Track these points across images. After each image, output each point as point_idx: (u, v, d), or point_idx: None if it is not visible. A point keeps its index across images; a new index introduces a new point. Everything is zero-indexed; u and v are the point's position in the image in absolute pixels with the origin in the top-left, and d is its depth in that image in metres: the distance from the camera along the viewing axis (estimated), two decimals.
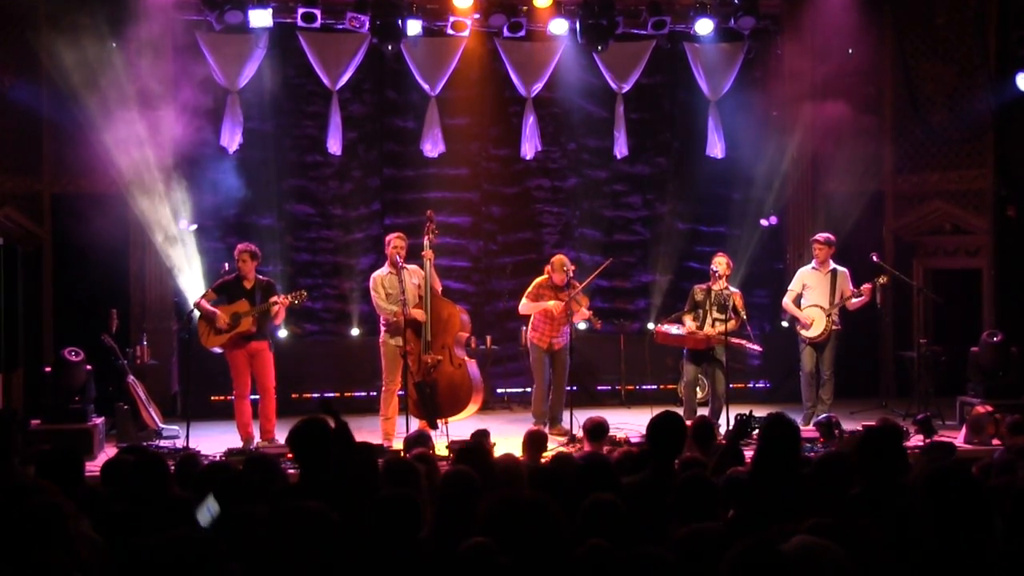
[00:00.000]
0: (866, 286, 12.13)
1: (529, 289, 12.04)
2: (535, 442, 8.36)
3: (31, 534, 4.33)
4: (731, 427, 7.43)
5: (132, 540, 4.43)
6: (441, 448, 10.01)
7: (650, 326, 15.02)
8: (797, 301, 12.43)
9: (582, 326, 14.51)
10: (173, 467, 7.74)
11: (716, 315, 11.87)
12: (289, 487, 6.00)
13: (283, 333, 14.08)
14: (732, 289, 12.00)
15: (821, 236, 12.51)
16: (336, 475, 5.69)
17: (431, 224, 11.58)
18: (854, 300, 12.18)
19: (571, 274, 11.91)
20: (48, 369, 11.66)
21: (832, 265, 12.34)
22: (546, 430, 10.68)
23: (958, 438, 11.17)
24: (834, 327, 12.22)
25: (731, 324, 11.84)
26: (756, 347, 12.23)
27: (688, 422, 7.78)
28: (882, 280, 12.25)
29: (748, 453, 7.08)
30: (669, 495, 5.28)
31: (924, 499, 4.69)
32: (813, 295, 12.31)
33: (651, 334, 12.69)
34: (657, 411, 6.68)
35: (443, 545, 4.63)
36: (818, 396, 12.26)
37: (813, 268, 12.44)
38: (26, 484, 5.50)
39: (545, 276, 12.00)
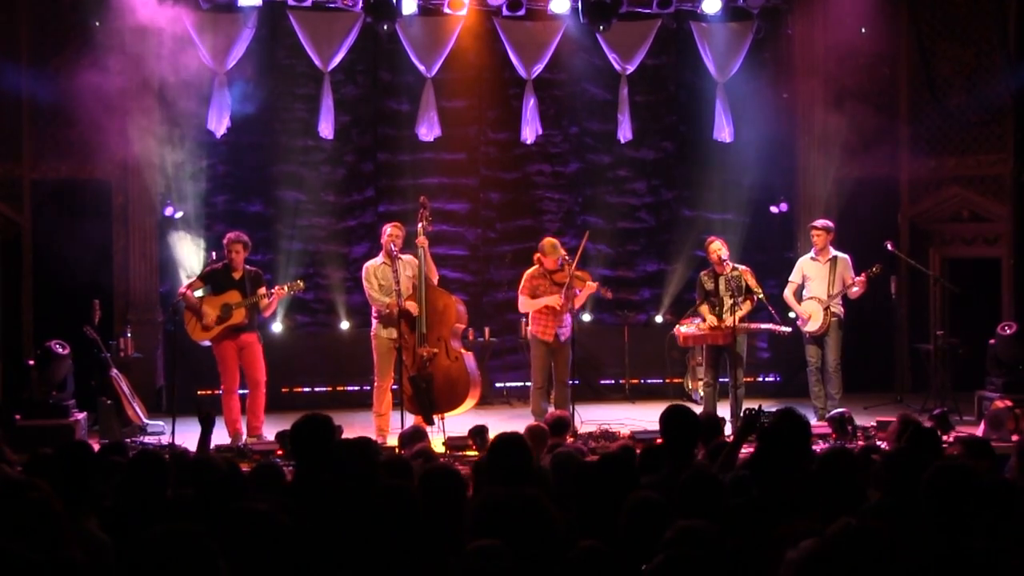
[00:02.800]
0: (860, 278, 12.05)
1: (522, 284, 11.89)
2: (535, 438, 8.31)
3: (22, 530, 4.32)
4: (740, 422, 7.45)
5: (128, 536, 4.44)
6: (438, 445, 10.00)
7: (658, 319, 15.02)
8: (798, 293, 12.37)
9: (587, 317, 14.54)
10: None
11: (731, 301, 11.81)
12: (286, 486, 5.97)
13: (278, 328, 14.09)
14: (740, 267, 11.95)
15: (819, 222, 12.44)
16: (334, 472, 5.67)
17: (425, 211, 11.51)
18: (853, 290, 12.12)
19: (563, 255, 11.80)
20: (32, 362, 11.63)
21: (832, 253, 12.27)
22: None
23: (976, 434, 11.16)
24: (834, 318, 12.15)
25: (747, 305, 11.81)
26: (785, 328, 12.15)
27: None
28: (874, 269, 12.14)
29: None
30: (674, 493, 5.26)
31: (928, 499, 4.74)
32: (813, 286, 12.22)
33: (672, 337, 12.63)
34: (663, 406, 6.65)
35: (429, 545, 4.61)
36: (827, 392, 12.22)
37: (812, 258, 12.33)
38: (16, 480, 5.50)
39: (535, 266, 11.90)
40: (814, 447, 9.61)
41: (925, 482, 4.82)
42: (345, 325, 14.49)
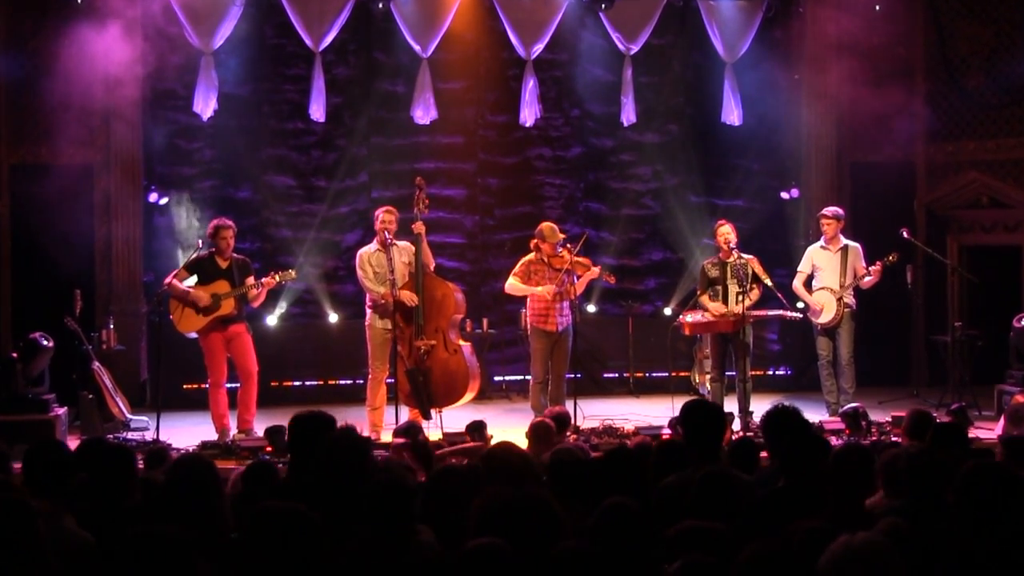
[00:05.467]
0: (875, 267, 12.00)
1: (516, 268, 11.85)
2: (540, 435, 8.24)
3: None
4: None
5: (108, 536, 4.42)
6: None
7: (667, 311, 14.93)
8: (808, 283, 12.32)
9: (592, 308, 14.49)
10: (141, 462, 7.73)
11: (738, 288, 11.75)
12: (277, 485, 5.94)
13: (272, 321, 14.05)
14: (746, 256, 11.90)
15: (829, 211, 12.39)
16: (324, 469, 5.63)
17: (421, 193, 11.43)
18: (866, 279, 12.07)
19: (562, 239, 11.74)
20: (15, 354, 11.57)
21: (843, 241, 12.21)
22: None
23: (995, 430, 11.12)
24: (847, 309, 12.11)
25: (754, 294, 11.77)
26: (796, 313, 12.13)
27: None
28: (891, 258, 12.11)
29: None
30: (688, 492, 5.22)
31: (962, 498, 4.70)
32: (824, 276, 12.17)
33: (675, 328, 12.61)
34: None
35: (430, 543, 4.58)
36: (839, 386, 12.18)
37: (822, 247, 12.29)
38: None
39: (533, 255, 11.84)
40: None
41: (959, 482, 4.78)
42: (338, 316, 14.42)
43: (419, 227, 11.26)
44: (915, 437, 7.70)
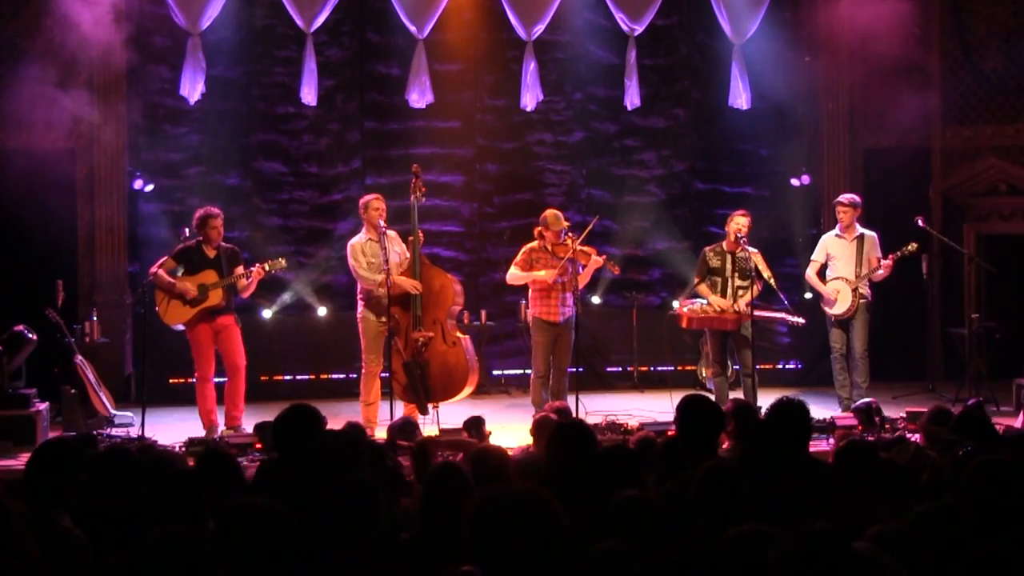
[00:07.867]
0: (886, 262, 11.93)
1: (518, 256, 11.80)
2: (544, 430, 8.14)
3: None
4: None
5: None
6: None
7: (675, 304, 14.87)
8: (821, 272, 12.26)
9: (596, 300, 14.44)
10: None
11: (740, 282, 11.71)
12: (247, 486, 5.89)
13: (267, 314, 14.02)
14: (751, 249, 11.84)
15: (845, 197, 12.33)
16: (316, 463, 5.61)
17: (417, 180, 11.37)
18: (878, 273, 12.00)
19: (566, 228, 11.68)
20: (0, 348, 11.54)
21: (859, 230, 12.16)
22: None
23: (1016, 424, 11.08)
24: (862, 300, 12.05)
25: (755, 289, 11.72)
26: (799, 319, 12.06)
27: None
28: (911, 247, 12.03)
29: None
30: (690, 489, 5.17)
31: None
32: (838, 265, 12.11)
33: (672, 317, 12.53)
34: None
35: (429, 551, 4.54)
36: (852, 380, 12.13)
37: (837, 235, 12.23)
38: None
39: (535, 242, 11.78)
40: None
41: (964, 480, 4.72)
42: (329, 307, 14.38)
43: (420, 240, 11.28)
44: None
